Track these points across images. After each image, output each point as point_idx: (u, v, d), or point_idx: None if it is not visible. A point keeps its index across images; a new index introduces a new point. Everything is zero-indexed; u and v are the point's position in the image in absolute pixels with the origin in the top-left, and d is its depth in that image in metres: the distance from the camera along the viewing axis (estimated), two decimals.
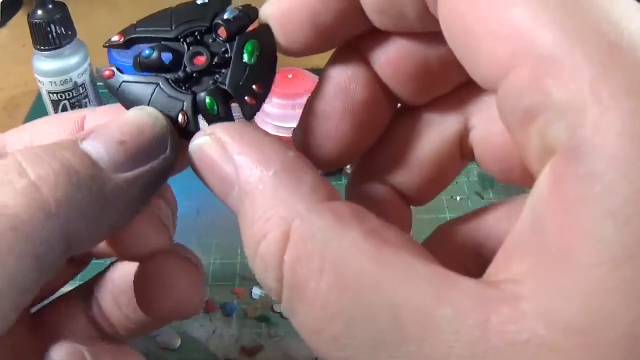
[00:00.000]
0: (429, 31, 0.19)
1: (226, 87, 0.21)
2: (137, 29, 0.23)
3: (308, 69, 0.55)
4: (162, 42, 0.22)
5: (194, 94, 0.21)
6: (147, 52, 0.22)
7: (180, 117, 0.21)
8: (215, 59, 0.21)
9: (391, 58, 0.20)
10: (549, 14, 0.14)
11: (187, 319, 0.45)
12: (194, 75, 0.21)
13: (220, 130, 0.19)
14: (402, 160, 0.22)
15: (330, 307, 0.15)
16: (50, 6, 0.53)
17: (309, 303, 0.16)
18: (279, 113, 0.52)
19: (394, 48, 0.20)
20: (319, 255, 0.15)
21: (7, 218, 0.16)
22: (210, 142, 0.19)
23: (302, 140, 0.22)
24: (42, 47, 0.54)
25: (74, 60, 0.56)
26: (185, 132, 0.21)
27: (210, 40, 0.22)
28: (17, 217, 0.17)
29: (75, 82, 0.56)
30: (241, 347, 0.43)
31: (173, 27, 0.22)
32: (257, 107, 0.21)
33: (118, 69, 0.22)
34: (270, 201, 0.17)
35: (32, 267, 0.17)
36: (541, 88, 0.14)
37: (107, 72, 0.22)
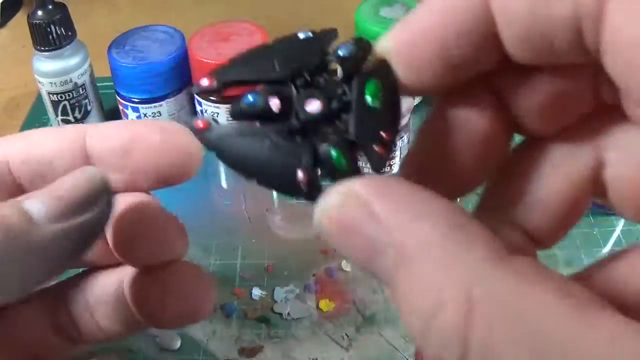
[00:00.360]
0: (573, 63, 0.17)
1: (352, 137, 0.18)
2: (231, 69, 0.19)
3: None
4: (267, 86, 0.19)
5: (313, 147, 0.18)
6: (250, 97, 0.18)
7: (300, 175, 0.17)
8: (333, 104, 0.18)
9: (523, 89, 0.18)
10: None
11: None
12: (309, 124, 0.18)
13: (360, 186, 0.16)
14: (530, 199, 0.20)
15: None
16: (50, 7, 0.53)
17: None
18: None
19: (528, 79, 0.18)
20: (513, 325, 0.14)
21: None
22: (349, 201, 0.16)
23: (417, 177, 0.19)
24: (42, 48, 0.54)
25: (74, 61, 0.56)
26: (306, 192, 0.18)
27: (322, 80, 0.19)
28: None
29: (76, 83, 0.56)
30: (241, 347, 0.43)
31: (276, 67, 0.19)
32: (387, 157, 0.18)
33: (214, 120, 0.18)
34: (442, 266, 0.15)
35: None
36: None
37: (200, 124, 0.18)
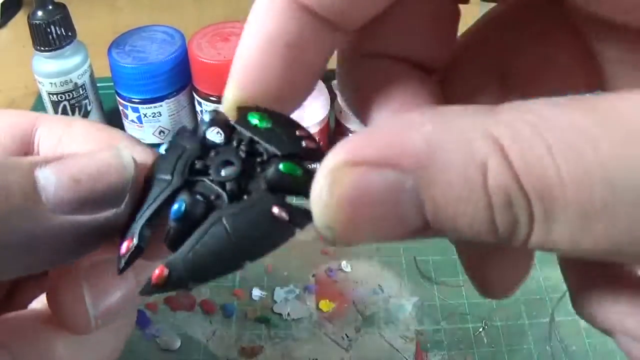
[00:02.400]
0: None
1: (278, 153, 0.18)
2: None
3: None
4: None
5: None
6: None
7: (276, 210, 0.17)
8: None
9: None
10: None
11: (187, 320, 0.45)
12: (236, 185, 0.18)
13: (342, 152, 0.15)
14: (401, 27, 0.20)
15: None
16: (50, 7, 0.53)
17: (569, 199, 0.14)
18: None
19: None
20: (544, 143, 0.14)
21: None
22: (342, 167, 0.15)
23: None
24: (42, 48, 0.54)
25: (74, 61, 0.56)
26: (291, 219, 0.17)
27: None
28: None
29: (76, 83, 0.56)
30: (241, 348, 0.43)
31: (173, 175, 0.19)
32: (319, 145, 0.19)
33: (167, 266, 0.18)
34: (461, 139, 0.14)
35: None
36: None
37: (156, 273, 0.17)
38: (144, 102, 0.55)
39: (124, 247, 0.18)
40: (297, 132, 0.19)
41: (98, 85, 0.59)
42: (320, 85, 0.53)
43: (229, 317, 0.45)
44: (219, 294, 0.46)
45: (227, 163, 0.19)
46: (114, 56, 0.55)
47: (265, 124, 0.19)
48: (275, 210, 0.17)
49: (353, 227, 0.15)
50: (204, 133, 0.19)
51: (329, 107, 0.53)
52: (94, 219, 0.18)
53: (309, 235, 0.46)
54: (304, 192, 0.17)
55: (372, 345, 0.43)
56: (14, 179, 0.17)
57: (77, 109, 0.58)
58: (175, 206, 0.18)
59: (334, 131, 0.56)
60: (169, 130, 0.57)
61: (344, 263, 0.48)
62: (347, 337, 0.43)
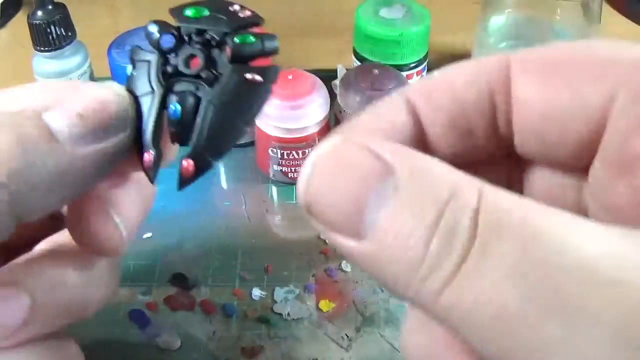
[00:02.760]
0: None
1: (227, 30, 0.21)
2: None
3: (308, 70, 0.55)
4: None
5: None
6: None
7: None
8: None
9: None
10: None
11: (187, 320, 0.45)
12: (181, 74, 0.21)
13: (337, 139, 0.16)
14: None
15: None
16: (50, 7, 0.53)
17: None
18: (278, 114, 0.52)
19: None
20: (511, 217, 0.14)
21: None
22: (339, 147, 0.16)
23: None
24: (42, 48, 0.54)
25: (74, 61, 0.56)
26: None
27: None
28: None
29: None
30: (241, 348, 0.43)
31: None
32: (253, 11, 0.22)
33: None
34: (449, 170, 0.15)
35: None
36: None
37: (185, 166, 0.21)
38: None
39: (147, 159, 0.21)
40: (231, 8, 0.22)
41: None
42: (321, 85, 0.53)
43: (229, 317, 0.45)
44: (219, 294, 0.46)
45: (191, 57, 0.21)
46: (114, 56, 0.55)
47: (203, 13, 0.22)
48: (249, 76, 0.20)
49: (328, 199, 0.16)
50: (159, 42, 0.22)
51: (329, 107, 0.53)
52: (106, 146, 0.20)
53: (309, 234, 0.46)
54: (262, 52, 0.21)
55: (372, 345, 0.43)
56: (29, 130, 0.18)
57: None
58: (172, 108, 0.21)
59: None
60: None
61: (344, 263, 0.48)
62: (347, 337, 0.43)
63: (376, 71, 0.53)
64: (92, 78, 0.58)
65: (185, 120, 0.21)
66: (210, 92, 0.21)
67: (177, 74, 0.21)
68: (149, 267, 0.48)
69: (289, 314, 0.45)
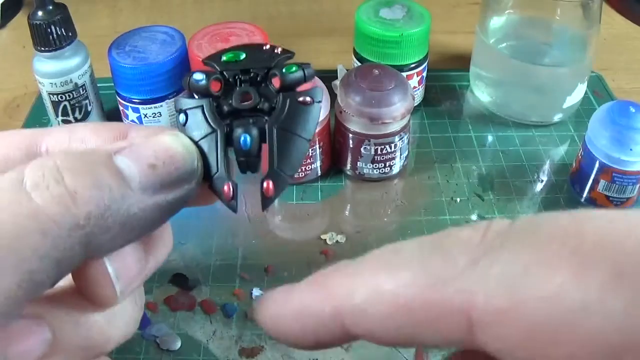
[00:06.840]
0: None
1: (271, 65, 0.23)
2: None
3: None
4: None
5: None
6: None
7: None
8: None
9: None
10: None
11: (187, 320, 0.45)
12: (237, 111, 0.23)
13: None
14: None
15: None
16: (51, 7, 0.53)
17: None
18: None
19: None
20: None
21: (38, 222, 0.17)
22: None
23: None
24: (43, 49, 0.54)
25: (74, 61, 0.56)
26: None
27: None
28: (47, 222, 0.17)
29: (76, 84, 0.56)
30: (241, 348, 0.43)
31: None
32: (280, 46, 0.23)
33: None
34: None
35: (51, 268, 0.18)
36: None
37: (266, 186, 0.23)
38: (144, 102, 0.56)
39: (226, 191, 0.23)
40: (265, 47, 0.24)
41: (98, 85, 0.59)
42: (320, 85, 0.53)
43: (230, 317, 0.45)
44: (219, 294, 0.46)
45: (244, 94, 0.23)
46: (114, 56, 0.55)
47: (240, 56, 0.24)
48: (301, 99, 0.23)
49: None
50: (206, 87, 0.23)
51: (329, 107, 0.53)
52: (174, 197, 0.21)
53: (309, 235, 0.45)
54: (304, 78, 0.23)
55: (372, 345, 0.43)
56: (104, 173, 0.19)
57: (77, 109, 0.58)
58: (242, 139, 0.22)
59: (334, 131, 0.56)
60: None
61: None
62: None
63: (376, 71, 0.53)
64: (93, 78, 0.58)
65: (254, 149, 0.23)
66: (272, 119, 0.23)
67: (234, 112, 0.23)
68: None
69: None
